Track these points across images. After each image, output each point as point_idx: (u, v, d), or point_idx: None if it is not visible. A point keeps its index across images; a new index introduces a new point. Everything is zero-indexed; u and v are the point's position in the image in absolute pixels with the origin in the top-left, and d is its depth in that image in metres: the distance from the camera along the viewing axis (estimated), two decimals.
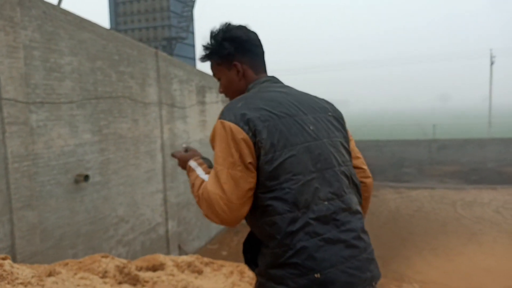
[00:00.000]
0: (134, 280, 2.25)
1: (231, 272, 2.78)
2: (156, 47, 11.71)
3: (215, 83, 8.81)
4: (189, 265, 2.68)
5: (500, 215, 11.68)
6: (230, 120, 1.18)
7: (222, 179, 1.16)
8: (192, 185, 1.27)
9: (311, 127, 1.21)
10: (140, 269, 2.47)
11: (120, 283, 2.16)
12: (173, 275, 2.44)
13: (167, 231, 6.85)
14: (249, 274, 2.84)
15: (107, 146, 5.52)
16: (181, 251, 7.25)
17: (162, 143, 6.71)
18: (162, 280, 2.31)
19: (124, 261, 2.34)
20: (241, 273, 2.81)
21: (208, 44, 1.39)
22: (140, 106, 6.19)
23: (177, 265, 2.62)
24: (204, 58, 1.43)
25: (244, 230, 10.76)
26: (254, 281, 2.79)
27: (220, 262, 2.98)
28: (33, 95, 4.42)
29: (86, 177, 5.08)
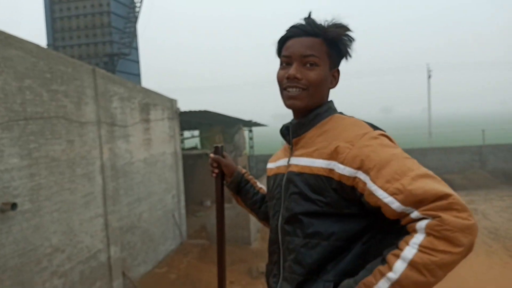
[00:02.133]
0: None
1: None
2: (97, 64, 11.24)
3: (161, 100, 8.57)
4: None
5: None
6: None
7: (437, 178, 0.95)
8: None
9: None
10: None
11: None
12: None
13: (109, 258, 6.44)
14: None
15: (38, 170, 5.12)
16: (125, 279, 6.86)
17: (102, 164, 6.36)
18: None
19: None
20: None
21: (345, 27, 1.14)
22: (75, 126, 5.84)
23: None
24: (323, 33, 1.13)
25: (194, 251, 10.46)
26: None
27: None
28: None
29: (14, 206, 4.65)
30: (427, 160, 20.22)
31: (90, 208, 6.06)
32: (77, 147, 5.85)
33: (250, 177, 1.56)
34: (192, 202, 12.96)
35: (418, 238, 0.86)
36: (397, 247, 0.90)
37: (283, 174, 1.20)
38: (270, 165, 1.36)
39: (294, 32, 1.16)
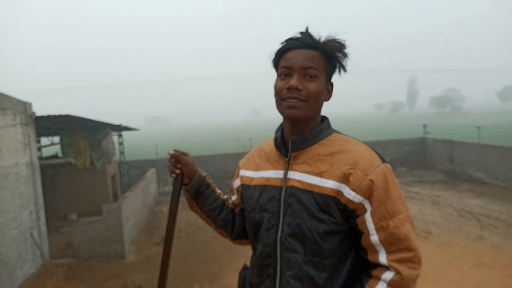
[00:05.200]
0: None
1: None
2: None
3: (11, 104, 7.45)
4: None
5: None
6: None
7: (414, 227, 1.14)
8: None
9: None
10: None
11: None
12: None
13: None
14: None
15: None
16: None
17: None
18: None
19: None
20: None
21: (342, 43, 1.18)
22: None
23: None
24: (322, 46, 1.17)
25: (60, 271, 9.36)
26: None
27: None
28: None
29: None
30: None
31: None
32: None
33: (211, 181, 1.49)
34: (55, 217, 11.62)
35: (382, 286, 1.07)
36: None
37: (280, 188, 1.19)
38: (248, 173, 1.31)
39: (294, 44, 1.18)
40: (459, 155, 14.12)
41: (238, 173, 1.43)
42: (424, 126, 16.85)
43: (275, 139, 1.27)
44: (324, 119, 1.28)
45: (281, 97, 1.19)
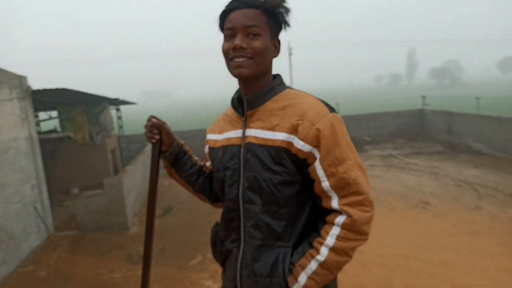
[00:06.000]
0: None
1: None
2: None
3: (6, 77, 7.38)
4: None
5: None
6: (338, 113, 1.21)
7: (364, 172, 1.18)
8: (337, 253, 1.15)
9: None
10: None
11: None
12: None
13: None
14: None
15: None
16: None
17: None
18: None
19: None
20: None
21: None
22: None
23: None
24: (262, 4, 1.19)
25: (64, 243, 9.55)
26: None
27: None
28: None
29: None
30: None
31: None
32: None
33: (188, 148, 1.54)
34: (57, 191, 11.72)
35: (336, 230, 1.14)
36: (320, 235, 1.17)
37: (239, 146, 1.25)
38: (214, 137, 1.38)
39: (234, 5, 1.21)
40: (457, 126, 14.16)
41: (206, 139, 1.51)
42: (423, 97, 16.79)
43: (232, 100, 1.34)
44: (276, 76, 1.32)
45: (229, 58, 1.24)
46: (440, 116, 15.16)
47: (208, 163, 1.54)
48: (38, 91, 8.68)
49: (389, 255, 5.39)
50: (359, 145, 15.22)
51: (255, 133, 1.23)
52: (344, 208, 1.14)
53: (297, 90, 1.30)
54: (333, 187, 1.15)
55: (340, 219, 1.14)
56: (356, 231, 1.13)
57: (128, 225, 7.83)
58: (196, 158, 1.56)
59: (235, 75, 1.25)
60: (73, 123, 12.15)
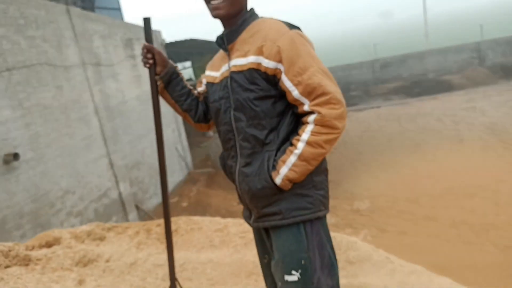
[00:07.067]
0: (26, 261, 2.17)
1: (137, 232, 2.76)
2: (74, 3, 10.68)
3: (143, 34, 8.31)
4: (89, 234, 2.62)
5: (441, 123, 12.43)
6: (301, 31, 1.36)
7: (329, 75, 1.33)
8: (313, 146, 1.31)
9: None
10: (32, 248, 2.38)
11: (7, 267, 2.08)
12: (70, 247, 2.37)
13: (120, 194, 6.76)
14: (157, 231, 2.83)
15: (33, 119, 5.17)
16: (140, 211, 7.24)
17: (95, 106, 6.38)
18: (58, 255, 2.25)
19: (10, 244, 2.24)
20: (148, 231, 2.79)
21: None
22: (61, 71, 5.76)
23: (76, 236, 2.54)
24: None
25: (202, 179, 10.82)
26: (177, 229, 2.73)
27: (125, 224, 2.92)
28: None
29: (16, 156, 4.79)
30: (425, 64, 19.88)
31: (92, 150, 6.21)
32: (67, 92, 5.83)
33: (180, 72, 1.72)
34: (195, 134, 13.16)
35: (310, 127, 1.30)
36: (298, 134, 1.33)
37: (228, 77, 1.43)
38: (211, 73, 1.57)
39: None
40: None
41: (205, 73, 1.67)
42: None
43: (216, 40, 1.48)
44: (250, 10, 1.46)
45: (206, 1, 1.41)
46: None
47: (200, 88, 1.71)
48: (171, 43, 9.61)
49: None
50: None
51: (234, 62, 1.40)
52: (314, 108, 1.29)
53: (266, 17, 1.43)
54: (302, 93, 1.30)
55: (312, 117, 1.30)
56: (327, 126, 1.28)
57: None
58: (186, 81, 1.75)
59: (213, 16, 1.41)
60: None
